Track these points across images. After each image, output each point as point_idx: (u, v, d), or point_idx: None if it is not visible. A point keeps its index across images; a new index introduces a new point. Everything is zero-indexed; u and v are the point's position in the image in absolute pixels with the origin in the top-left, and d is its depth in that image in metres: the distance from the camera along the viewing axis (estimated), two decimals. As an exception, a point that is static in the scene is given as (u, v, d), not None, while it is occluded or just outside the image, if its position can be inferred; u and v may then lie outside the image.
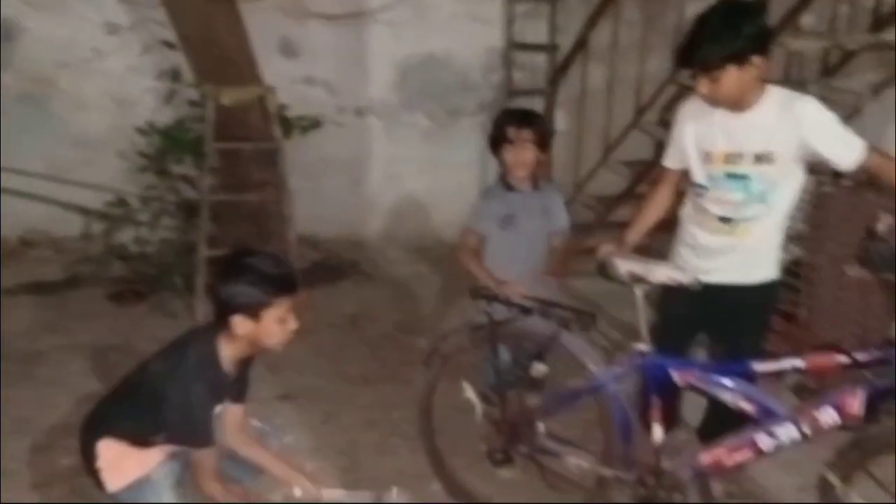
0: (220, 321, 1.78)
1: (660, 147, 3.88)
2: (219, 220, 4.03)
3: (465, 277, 2.70)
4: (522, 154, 2.43)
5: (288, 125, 4.09)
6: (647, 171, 3.84)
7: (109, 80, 4.39)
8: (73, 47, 4.30)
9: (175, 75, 4.04)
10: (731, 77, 1.93)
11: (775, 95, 2.03)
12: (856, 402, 1.76)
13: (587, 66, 4.02)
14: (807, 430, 1.82)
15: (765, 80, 2.01)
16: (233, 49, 3.82)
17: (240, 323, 1.75)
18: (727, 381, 1.90)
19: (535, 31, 4.78)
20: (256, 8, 4.10)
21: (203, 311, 3.64)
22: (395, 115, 4.78)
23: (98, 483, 1.95)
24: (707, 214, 2.13)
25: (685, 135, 2.13)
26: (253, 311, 1.73)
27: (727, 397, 1.90)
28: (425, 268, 4.40)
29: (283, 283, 1.77)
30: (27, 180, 4.27)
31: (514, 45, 4.74)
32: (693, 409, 2.36)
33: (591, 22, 3.95)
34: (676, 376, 1.95)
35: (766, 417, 1.86)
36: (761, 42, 1.96)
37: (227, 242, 3.86)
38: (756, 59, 1.94)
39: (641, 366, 1.97)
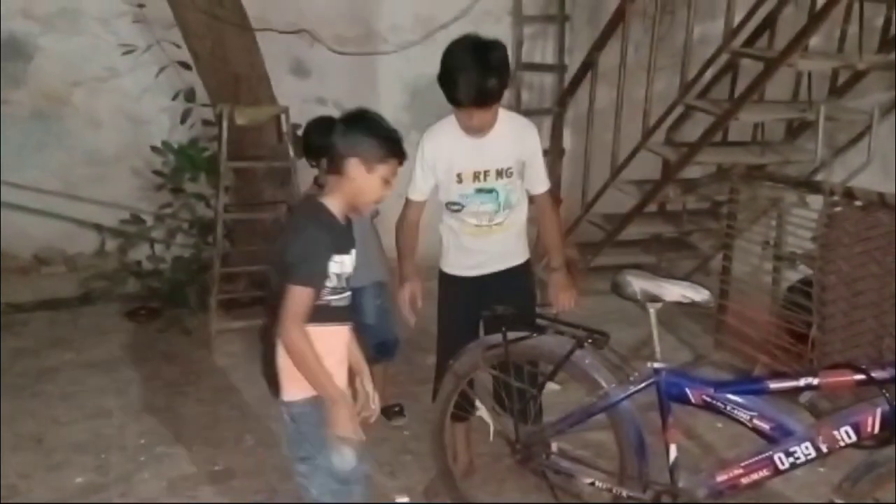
0: (332, 167, 1.86)
1: (667, 166, 3.92)
2: (233, 238, 4.07)
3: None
4: None
5: (301, 145, 4.12)
6: (656, 191, 3.86)
7: (124, 99, 4.45)
8: (87, 66, 4.36)
9: (190, 95, 4.10)
10: (497, 106, 2.24)
11: (507, 118, 2.35)
12: (875, 421, 1.76)
13: (595, 87, 4.06)
14: (824, 448, 1.81)
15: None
16: (246, 69, 3.87)
17: (354, 166, 1.83)
18: (743, 399, 1.90)
19: (544, 52, 4.85)
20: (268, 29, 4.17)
21: (217, 327, 3.66)
22: (405, 134, 4.77)
23: (275, 388, 1.89)
24: (466, 225, 2.42)
25: (437, 160, 2.34)
26: (369, 162, 1.83)
27: (743, 415, 1.90)
28: (434, 286, 4.40)
29: (399, 147, 1.88)
30: (42, 197, 4.32)
31: (523, 66, 4.79)
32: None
33: (600, 43, 3.99)
34: (691, 394, 1.95)
35: (782, 436, 1.86)
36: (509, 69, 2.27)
37: (241, 260, 3.89)
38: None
39: (657, 383, 1.97)
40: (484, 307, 2.31)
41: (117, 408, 3.13)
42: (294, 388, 1.86)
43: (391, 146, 1.86)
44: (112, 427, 3.00)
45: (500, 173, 2.34)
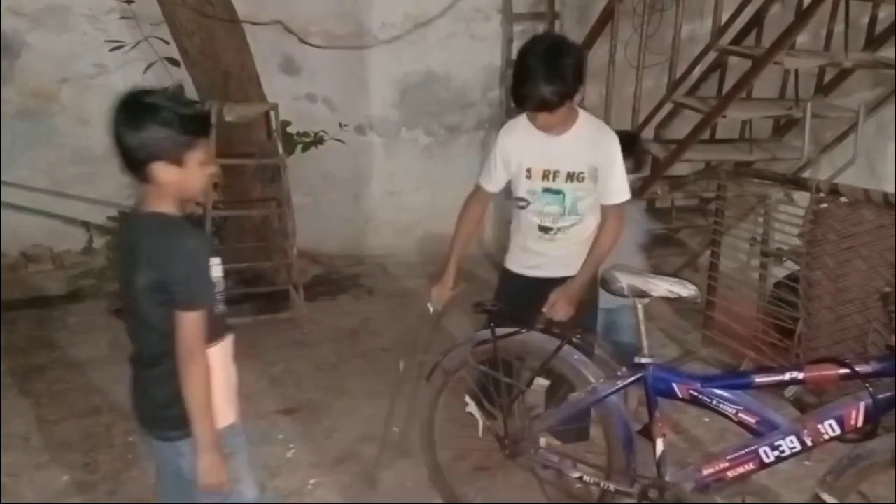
0: (140, 177, 1.57)
1: (656, 163, 3.93)
2: (222, 235, 4.06)
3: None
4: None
5: (290, 141, 4.12)
6: (644, 187, 3.87)
7: (112, 96, 4.41)
8: (75, 63, 4.33)
9: (178, 91, 4.07)
10: (564, 108, 2.19)
11: (586, 122, 2.31)
12: (858, 414, 1.78)
13: (584, 84, 4.07)
14: (809, 441, 1.83)
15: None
16: (236, 66, 3.86)
17: (163, 170, 1.55)
18: (728, 394, 1.92)
19: (534, 50, 4.85)
20: (259, 27, 4.16)
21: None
22: (395, 131, 4.83)
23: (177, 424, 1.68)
24: (531, 224, 2.41)
25: (511, 155, 2.35)
26: (176, 157, 1.55)
27: (729, 410, 1.92)
28: (424, 282, 4.42)
29: (201, 122, 1.60)
30: (29, 195, 4.29)
31: (512, 63, 4.78)
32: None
33: (589, 40, 4.00)
34: (678, 388, 1.97)
35: (768, 430, 1.88)
36: (583, 73, 2.21)
37: (230, 257, 3.89)
38: (580, 88, 2.20)
39: (644, 378, 1.99)
40: (536, 307, 2.33)
41: (105, 406, 3.12)
42: (231, 411, 1.71)
43: (193, 126, 1.56)
44: (100, 425, 2.99)
45: (570, 176, 2.31)
